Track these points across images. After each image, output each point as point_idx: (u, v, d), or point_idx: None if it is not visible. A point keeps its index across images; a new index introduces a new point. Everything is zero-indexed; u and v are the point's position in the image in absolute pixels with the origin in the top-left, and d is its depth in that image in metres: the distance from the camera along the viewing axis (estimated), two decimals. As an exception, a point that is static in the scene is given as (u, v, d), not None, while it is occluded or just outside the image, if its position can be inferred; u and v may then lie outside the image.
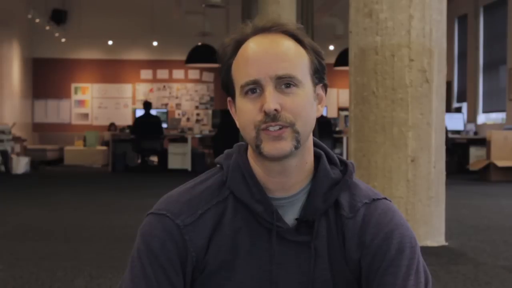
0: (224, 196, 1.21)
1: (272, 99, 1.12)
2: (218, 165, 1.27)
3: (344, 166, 1.25)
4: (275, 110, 1.12)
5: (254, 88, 1.14)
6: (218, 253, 1.19)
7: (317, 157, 1.23)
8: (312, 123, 1.18)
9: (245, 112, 1.15)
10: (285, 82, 1.14)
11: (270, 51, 1.15)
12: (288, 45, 1.17)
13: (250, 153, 1.22)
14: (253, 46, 1.16)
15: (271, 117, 1.12)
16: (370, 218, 1.19)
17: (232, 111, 1.24)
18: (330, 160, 1.25)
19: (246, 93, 1.15)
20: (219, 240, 1.19)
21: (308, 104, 1.16)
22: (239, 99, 1.17)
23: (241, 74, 1.16)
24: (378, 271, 1.16)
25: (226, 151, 1.28)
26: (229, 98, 1.23)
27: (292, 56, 1.15)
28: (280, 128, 1.13)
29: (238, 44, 1.19)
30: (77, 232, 5.01)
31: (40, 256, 4.02)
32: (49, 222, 5.59)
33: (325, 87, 1.23)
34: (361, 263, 1.19)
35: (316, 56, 1.19)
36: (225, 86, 1.22)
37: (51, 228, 5.21)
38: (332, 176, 1.21)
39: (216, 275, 1.19)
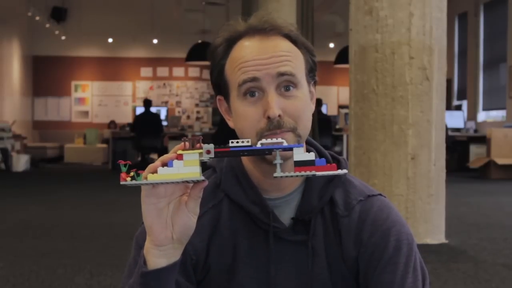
0: (219, 199, 1.21)
1: (275, 105, 1.10)
2: (210, 168, 1.26)
3: (337, 163, 1.25)
4: (279, 115, 1.11)
5: (254, 90, 1.12)
6: (219, 255, 1.18)
7: None
8: (310, 124, 1.18)
9: (246, 117, 1.13)
10: (285, 84, 1.13)
11: (269, 51, 1.14)
12: (287, 46, 1.16)
13: None
14: (251, 45, 1.15)
15: (275, 124, 1.11)
16: (366, 216, 1.19)
17: (222, 110, 1.22)
18: (322, 157, 1.24)
19: (245, 94, 1.13)
20: (219, 242, 1.19)
21: (307, 106, 1.16)
22: (236, 101, 1.15)
23: (238, 73, 1.14)
24: (376, 269, 1.16)
25: None
26: (219, 97, 1.21)
27: (291, 57, 1.15)
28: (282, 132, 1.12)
29: (231, 43, 1.17)
30: (77, 229, 5.01)
31: (40, 254, 4.03)
32: (49, 219, 5.59)
33: (314, 84, 1.23)
34: (358, 261, 1.18)
35: (309, 55, 1.19)
36: (216, 86, 1.20)
37: (51, 225, 5.22)
38: None
39: (216, 278, 1.19)
